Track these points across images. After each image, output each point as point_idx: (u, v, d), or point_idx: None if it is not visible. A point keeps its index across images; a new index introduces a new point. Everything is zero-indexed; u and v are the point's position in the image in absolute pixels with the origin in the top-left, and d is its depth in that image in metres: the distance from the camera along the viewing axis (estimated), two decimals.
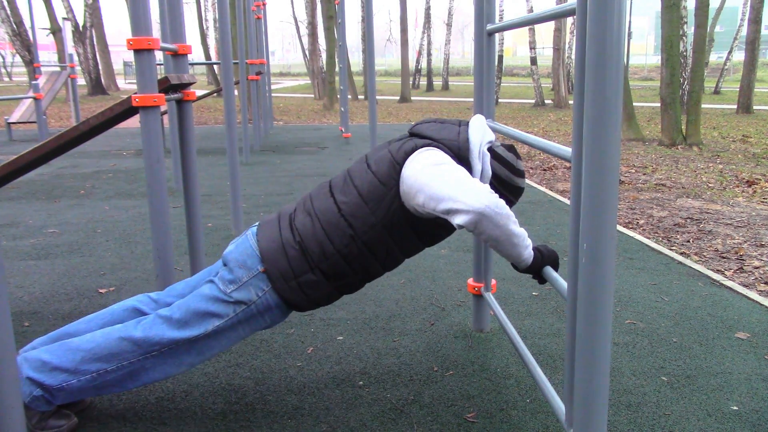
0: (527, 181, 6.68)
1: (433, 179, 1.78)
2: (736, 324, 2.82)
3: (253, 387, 2.28)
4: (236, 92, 7.80)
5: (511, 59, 56.04)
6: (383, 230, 1.90)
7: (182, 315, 1.93)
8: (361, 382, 2.31)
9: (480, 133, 1.96)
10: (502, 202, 1.76)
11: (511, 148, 2.04)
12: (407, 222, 1.91)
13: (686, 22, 14.19)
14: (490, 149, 2.00)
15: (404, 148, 1.90)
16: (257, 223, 2.07)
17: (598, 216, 1.34)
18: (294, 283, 1.93)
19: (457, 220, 1.74)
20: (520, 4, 21.22)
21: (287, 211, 2.04)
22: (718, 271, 3.74)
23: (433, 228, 1.96)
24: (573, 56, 7.13)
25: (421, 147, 1.89)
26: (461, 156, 1.91)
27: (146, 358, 1.92)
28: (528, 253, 1.86)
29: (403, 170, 1.86)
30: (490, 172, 1.97)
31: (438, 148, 1.90)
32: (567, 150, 1.60)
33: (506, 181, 2.00)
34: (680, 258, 3.83)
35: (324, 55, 19.98)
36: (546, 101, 18.94)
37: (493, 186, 1.99)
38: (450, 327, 2.80)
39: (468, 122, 2.00)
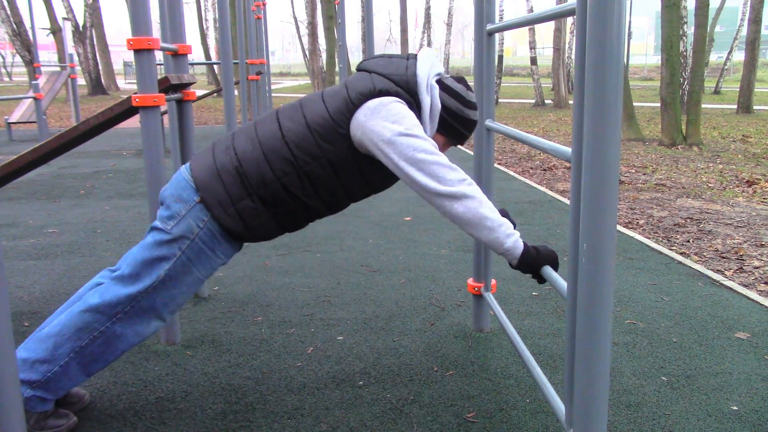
0: (527, 180, 6.68)
1: (401, 149, 1.76)
2: (736, 324, 2.82)
3: (253, 387, 2.28)
4: (236, 92, 7.80)
5: (511, 59, 56.02)
6: (327, 165, 1.86)
7: (132, 269, 1.90)
8: (361, 382, 2.31)
9: (427, 66, 1.92)
10: (476, 187, 1.77)
11: (460, 80, 2.01)
12: (354, 162, 1.88)
13: (686, 22, 14.18)
14: (438, 81, 1.96)
15: (359, 87, 1.86)
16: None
17: (598, 216, 1.33)
18: (232, 210, 1.89)
19: (424, 196, 1.75)
20: (520, 4, 21.22)
21: (223, 139, 2.00)
22: (718, 271, 3.74)
23: (381, 171, 1.91)
24: (573, 56, 7.12)
25: (378, 94, 1.84)
26: (410, 90, 1.88)
27: (113, 323, 1.90)
28: (512, 243, 1.80)
29: (362, 120, 1.81)
30: (439, 105, 1.93)
31: (396, 95, 1.85)
32: (567, 150, 1.60)
33: (457, 114, 1.96)
34: (680, 258, 3.83)
35: (324, 55, 19.98)
36: (546, 101, 18.93)
37: (443, 119, 1.96)
38: (450, 327, 2.80)
39: (416, 56, 1.96)
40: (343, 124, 1.84)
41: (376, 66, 1.93)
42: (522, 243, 1.84)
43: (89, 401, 2.16)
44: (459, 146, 2.14)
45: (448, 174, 1.77)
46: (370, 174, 1.92)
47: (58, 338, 1.90)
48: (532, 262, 1.84)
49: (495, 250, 1.85)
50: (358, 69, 1.99)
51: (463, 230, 1.83)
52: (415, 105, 1.89)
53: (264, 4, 10.21)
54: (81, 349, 1.90)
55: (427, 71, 1.91)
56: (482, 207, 1.77)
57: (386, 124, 1.79)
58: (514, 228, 2.22)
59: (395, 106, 1.83)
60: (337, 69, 15.11)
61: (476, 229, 1.79)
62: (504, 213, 2.29)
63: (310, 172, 1.87)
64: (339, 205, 2.01)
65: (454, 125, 1.98)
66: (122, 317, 1.91)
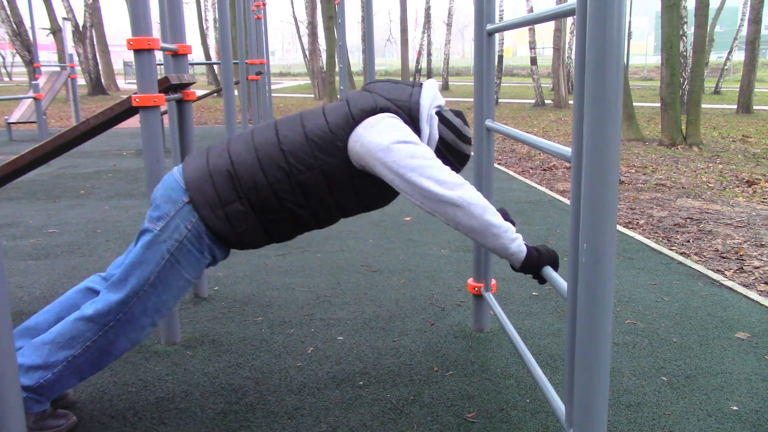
0: (527, 180, 6.68)
1: (399, 156, 1.78)
2: (736, 324, 2.82)
3: (253, 387, 2.28)
4: (236, 92, 7.80)
5: (511, 59, 55.98)
6: (321, 176, 1.88)
7: (122, 273, 1.90)
8: (361, 382, 2.31)
9: (430, 97, 1.96)
10: (477, 192, 1.78)
11: (459, 114, 2.04)
12: (348, 176, 1.89)
13: (686, 22, 14.18)
14: (438, 113, 1.99)
15: (361, 104, 1.89)
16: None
17: (598, 216, 1.33)
18: (221, 212, 1.89)
19: (425, 204, 1.77)
20: (520, 4, 21.23)
21: (219, 144, 2.02)
22: (718, 271, 3.74)
23: (375, 187, 1.94)
24: (573, 56, 7.11)
25: (379, 110, 1.88)
26: (412, 117, 1.92)
27: (106, 332, 1.90)
28: (516, 247, 1.83)
29: (361, 132, 1.84)
30: (437, 136, 1.97)
31: (396, 114, 1.89)
32: (567, 150, 1.60)
33: (452, 146, 1.99)
34: (680, 258, 3.83)
35: (324, 55, 19.99)
36: (546, 101, 18.93)
37: (438, 150, 1.99)
38: (450, 327, 2.80)
39: (421, 84, 2.00)
40: (341, 138, 1.86)
41: (381, 89, 1.97)
42: (525, 245, 1.85)
43: (74, 400, 2.17)
44: None
45: (447, 176, 1.78)
46: (362, 189, 1.94)
47: (53, 346, 1.90)
48: (535, 264, 1.86)
49: (499, 255, 1.86)
50: (364, 89, 2.02)
51: (468, 236, 1.84)
52: (414, 131, 1.92)
53: (264, 4, 10.20)
54: (74, 358, 1.91)
55: (430, 102, 1.95)
56: (487, 213, 1.78)
57: (384, 134, 1.81)
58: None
59: (394, 120, 1.87)
60: (337, 69, 15.12)
61: (481, 236, 1.80)
62: (504, 213, 2.30)
63: (303, 181, 1.88)
64: (329, 219, 2.02)
65: (448, 157, 2.01)
66: (115, 325, 1.91)
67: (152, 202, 1.95)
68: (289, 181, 1.88)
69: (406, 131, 1.84)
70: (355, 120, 1.86)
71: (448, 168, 1.82)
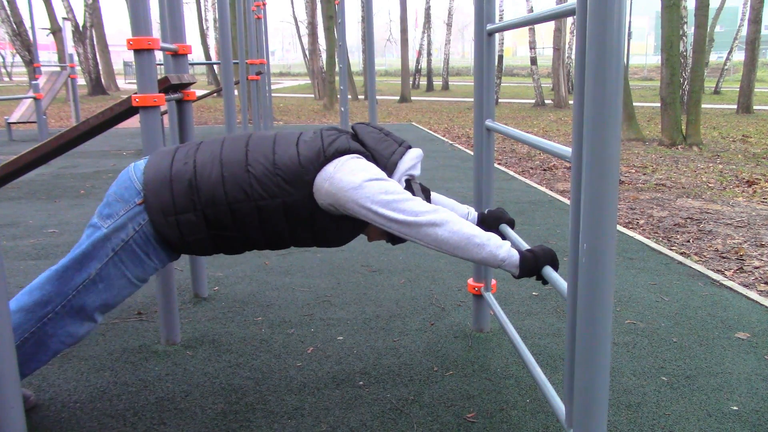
0: (527, 180, 6.68)
1: (371, 193, 1.80)
2: (736, 324, 2.82)
3: (253, 387, 2.28)
4: (236, 92, 7.80)
5: (511, 59, 56.01)
6: (281, 205, 1.88)
7: (64, 266, 1.88)
8: (361, 382, 2.31)
9: (409, 164, 1.99)
10: (451, 213, 1.83)
11: (425, 190, 2.06)
12: (308, 210, 1.90)
13: (686, 22, 14.18)
14: (408, 180, 2.01)
15: (337, 144, 1.90)
16: (145, 158, 2.03)
17: (598, 216, 1.34)
18: (173, 219, 1.88)
19: (405, 233, 1.80)
20: (520, 4, 21.23)
21: (188, 146, 2.00)
22: (718, 271, 3.74)
23: (332, 226, 1.95)
24: (573, 56, 7.13)
25: (350, 152, 1.89)
26: (386, 171, 1.94)
27: (44, 324, 1.88)
28: (506, 252, 1.83)
29: (331, 172, 1.85)
30: None
31: (368, 159, 1.92)
32: (567, 150, 1.60)
33: None
34: (680, 258, 3.83)
35: (324, 55, 20.00)
36: (546, 101, 18.93)
37: None
38: (450, 327, 2.80)
39: (409, 148, 2.02)
40: (310, 172, 1.87)
41: (368, 136, 1.99)
42: (515, 251, 1.85)
43: (35, 403, 2.15)
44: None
45: (421, 206, 1.82)
46: (320, 226, 1.94)
47: None
48: (533, 265, 1.85)
49: (491, 265, 1.86)
50: (353, 128, 2.03)
51: (454, 255, 1.85)
52: None
53: (264, 4, 10.20)
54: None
55: (406, 168, 1.98)
56: (465, 227, 1.81)
57: (355, 173, 1.83)
58: (512, 228, 2.23)
59: (361, 160, 1.90)
60: (337, 69, 15.12)
61: (466, 249, 1.81)
62: (501, 212, 2.30)
63: (263, 207, 1.88)
64: (280, 244, 2.02)
65: None
66: (53, 317, 1.88)
67: (105, 198, 1.95)
68: (249, 204, 1.88)
69: (375, 170, 1.87)
70: (326, 158, 1.87)
71: (419, 198, 1.85)
